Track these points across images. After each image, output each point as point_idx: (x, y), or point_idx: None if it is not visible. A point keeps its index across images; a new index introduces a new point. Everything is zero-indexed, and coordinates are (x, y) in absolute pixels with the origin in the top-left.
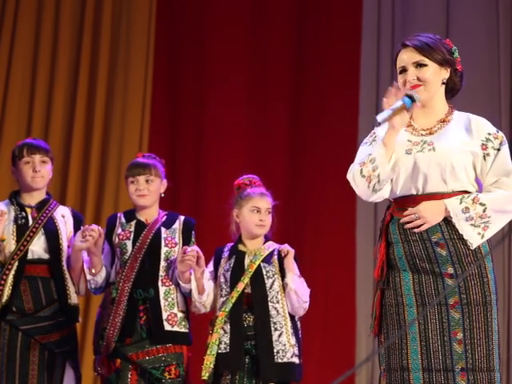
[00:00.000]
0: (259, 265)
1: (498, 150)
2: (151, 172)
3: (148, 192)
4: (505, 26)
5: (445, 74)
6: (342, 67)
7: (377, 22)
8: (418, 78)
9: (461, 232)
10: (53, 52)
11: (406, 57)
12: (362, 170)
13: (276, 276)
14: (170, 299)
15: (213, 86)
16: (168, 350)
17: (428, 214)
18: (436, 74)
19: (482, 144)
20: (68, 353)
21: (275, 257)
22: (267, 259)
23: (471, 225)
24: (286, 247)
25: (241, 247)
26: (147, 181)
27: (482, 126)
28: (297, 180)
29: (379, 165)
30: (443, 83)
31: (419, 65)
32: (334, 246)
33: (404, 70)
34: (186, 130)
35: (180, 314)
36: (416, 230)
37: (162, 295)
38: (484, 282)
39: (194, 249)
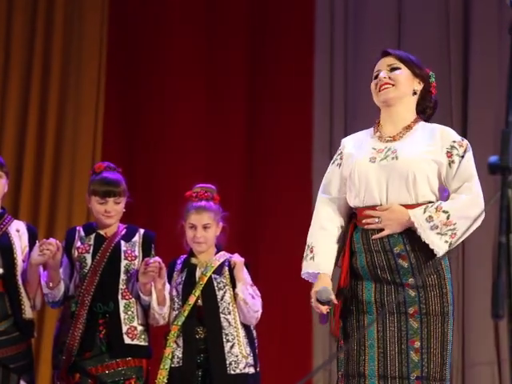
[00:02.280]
0: (210, 276)
1: (462, 156)
2: (120, 194)
3: (115, 213)
4: (454, 40)
5: (417, 85)
6: (295, 78)
7: (329, 34)
8: (390, 79)
9: (426, 241)
10: (5, 64)
11: (382, 62)
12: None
13: (227, 287)
14: (129, 312)
15: (168, 95)
16: (128, 363)
17: (391, 221)
18: (407, 79)
19: (447, 152)
20: (23, 368)
21: (226, 268)
22: (218, 270)
23: (437, 233)
24: (234, 258)
25: (192, 260)
26: (116, 202)
27: (447, 134)
28: (253, 188)
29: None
30: (414, 93)
31: (393, 68)
32: (291, 253)
33: (376, 76)
34: (141, 140)
35: (140, 328)
36: (376, 236)
37: (121, 308)
38: (443, 292)
39: (156, 260)
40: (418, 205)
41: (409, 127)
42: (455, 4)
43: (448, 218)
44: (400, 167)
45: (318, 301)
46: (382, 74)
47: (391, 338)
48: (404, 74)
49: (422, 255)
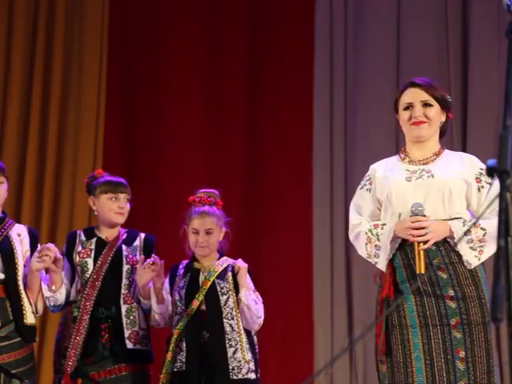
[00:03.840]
0: (213, 281)
1: (491, 183)
2: (129, 192)
3: (125, 211)
4: (454, 40)
5: (443, 117)
6: (295, 77)
7: (329, 40)
8: (425, 116)
9: (461, 253)
10: (6, 67)
11: (415, 95)
12: (366, 245)
13: (230, 292)
14: (131, 317)
15: (168, 96)
16: (130, 368)
17: (436, 231)
18: (438, 115)
19: (476, 177)
20: (25, 373)
21: (229, 273)
22: (221, 276)
23: (470, 247)
24: (238, 263)
25: (195, 264)
26: (127, 200)
27: (475, 161)
28: (253, 194)
29: (380, 261)
30: (440, 124)
31: (426, 104)
32: (291, 259)
33: (410, 107)
34: (142, 144)
35: (142, 332)
36: (423, 247)
37: (123, 313)
38: (482, 303)
39: (154, 258)
40: (450, 220)
41: (438, 153)
42: (454, 10)
43: (484, 236)
44: (437, 184)
45: (414, 214)
46: (417, 111)
47: (436, 350)
48: (436, 110)
49: (460, 266)
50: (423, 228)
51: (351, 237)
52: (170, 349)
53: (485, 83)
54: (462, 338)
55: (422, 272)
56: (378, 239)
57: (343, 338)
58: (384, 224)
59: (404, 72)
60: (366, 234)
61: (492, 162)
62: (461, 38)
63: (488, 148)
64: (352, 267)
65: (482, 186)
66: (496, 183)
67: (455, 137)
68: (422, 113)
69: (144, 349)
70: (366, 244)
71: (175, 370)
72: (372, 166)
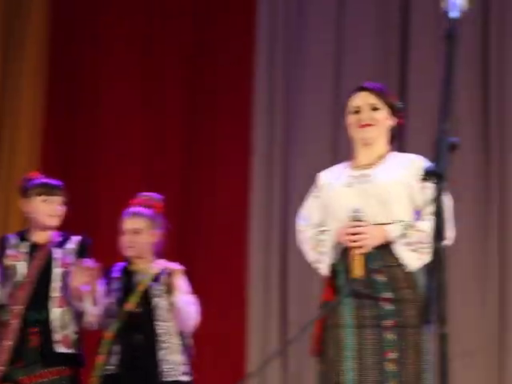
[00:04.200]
0: (148, 284)
1: (427, 186)
2: (64, 196)
3: (60, 213)
4: (394, 41)
5: (392, 122)
6: (234, 94)
7: (269, 50)
8: (371, 119)
9: (399, 256)
10: None
11: (363, 99)
12: (310, 251)
13: (164, 295)
14: (63, 321)
15: (105, 104)
16: (61, 372)
17: (372, 236)
18: (386, 119)
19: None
20: None
21: (164, 275)
22: (156, 278)
23: (411, 250)
24: (173, 266)
25: (130, 267)
26: (61, 203)
27: (419, 162)
28: (190, 197)
29: (323, 266)
30: (389, 128)
31: (374, 108)
32: (227, 262)
33: (357, 111)
34: (79, 148)
35: (73, 336)
36: (362, 251)
37: (55, 317)
38: (417, 306)
39: (89, 261)
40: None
41: (382, 156)
42: (394, 15)
43: (422, 237)
44: (375, 189)
45: (353, 219)
46: (364, 114)
47: (368, 351)
48: (383, 113)
49: (397, 270)
50: (360, 233)
51: (299, 244)
52: (102, 351)
53: (424, 86)
54: (394, 339)
55: (359, 276)
56: (321, 245)
57: (277, 340)
58: (327, 230)
59: (343, 75)
60: (311, 239)
61: (429, 165)
62: (400, 39)
63: (426, 151)
64: (288, 268)
65: (425, 187)
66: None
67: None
68: (368, 116)
69: (75, 352)
70: (311, 250)
71: (107, 373)
72: (320, 174)
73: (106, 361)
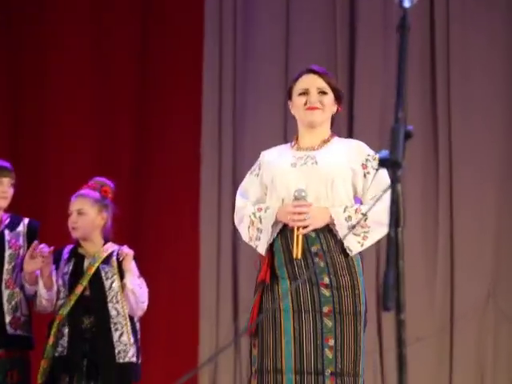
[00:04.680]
0: (98, 267)
1: (377, 169)
2: (13, 176)
3: (8, 195)
4: (342, 34)
5: (334, 108)
6: (184, 72)
7: (219, 32)
8: (320, 103)
9: (342, 240)
10: None
11: (311, 81)
12: (249, 228)
13: (115, 276)
14: (13, 303)
15: (54, 84)
16: (10, 354)
17: (316, 217)
18: (332, 104)
19: (363, 164)
20: None
21: (114, 258)
22: (106, 261)
23: (353, 234)
24: (124, 249)
25: (80, 250)
26: (10, 184)
27: (363, 147)
28: (140, 180)
29: (261, 244)
30: (332, 115)
31: (322, 91)
32: (178, 246)
33: (305, 93)
34: (27, 130)
35: (23, 318)
36: (301, 232)
37: (5, 298)
38: (355, 293)
39: (43, 246)
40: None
41: (327, 140)
42: (342, 5)
43: (365, 221)
44: (320, 171)
45: (297, 199)
46: (313, 97)
47: (307, 336)
48: (330, 98)
49: (337, 255)
50: (304, 213)
51: (236, 220)
52: (52, 333)
53: (371, 75)
54: (332, 326)
55: (299, 257)
56: (261, 222)
57: (228, 326)
58: (268, 207)
59: (292, 66)
60: (250, 217)
61: (384, 153)
62: (348, 32)
63: (372, 139)
64: (238, 254)
65: (368, 172)
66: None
67: (342, 128)
68: (317, 99)
69: (25, 335)
70: (249, 227)
71: (56, 354)
72: (262, 152)
73: (56, 343)
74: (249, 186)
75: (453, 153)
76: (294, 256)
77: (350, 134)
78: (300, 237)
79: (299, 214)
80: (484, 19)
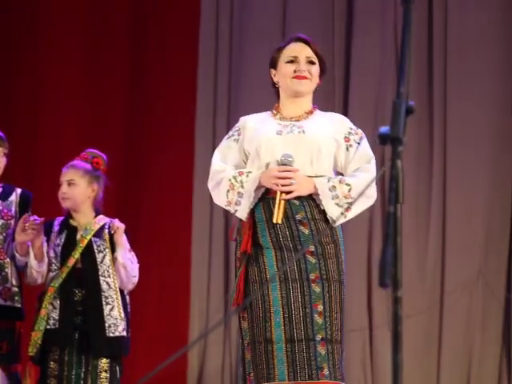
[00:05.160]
0: (90, 239)
1: (359, 143)
2: (7, 146)
3: (1, 165)
4: (339, 17)
5: (319, 80)
6: (179, 54)
7: (215, 10)
8: (308, 72)
9: (325, 209)
10: None
11: (300, 50)
12: (228, 191)
13: (107, 250)
14: (3, 273)
15: (46, 57)
16: (0, 325)
17: (301, 185)
18: (317, 75)
19: (345, 137)
20: None
21: (106, 231)
22: (98, 234)
23: (336, 204)
24: (115, 222)
25: (71, 222)
26: (3, 154)
27: (345, 121)
28: (133, 153)
29: (241, 208)
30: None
31: (310, 61)
32: (170, 221)
33: (293, 61)
34: (20, 99)
35: (14, 289)
36: (285, 197)
37: None
38: (339, 261)
39: (34, 217)
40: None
41: (310, 112)
42: None
43: (349, 191)
44: (307, 140)
45: (283, 164)
46: (302, 66)
47: (295, 303)
48: (318, 70)
49: (322, 223)
50: (289, 178)
51: (211, 184)
52: (44, 306)
53: (367, 55)
54: (320, 292)
55: (279, 222)
56: (242, 186)
57: (219, 299)
58: (250, 172)
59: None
60: (230, 180)
61: (384, 129)
62: (345, 14)
63: (368, 117)
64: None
65: (351, 145)
66: (365, 142)
67: (337, 102)
68: (306, 68)
69: (15, 305)
70: (228, 191)
71: (48, 327)
72: (242, 118)
73: (48, 316)
74: (227, 151)
75: (447, 132)
76: (274, 220)
77: (345, 108)
78: (282, 202)
79: (284, 178)
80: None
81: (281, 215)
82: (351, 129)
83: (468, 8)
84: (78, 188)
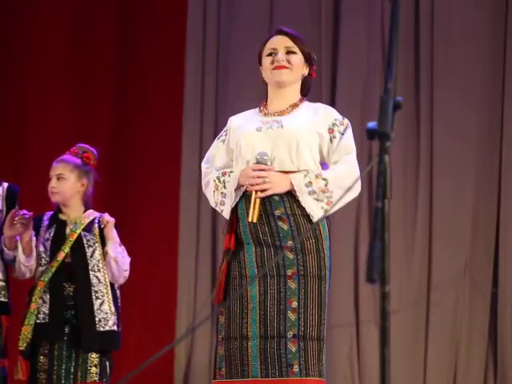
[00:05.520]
0: (80, 234)
1: (343, 134)
2: None
3: None
4: (326, 11)
5: (305, 70)
6: (167, 52)
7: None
8: (287, 62)
9: (303, 205)
10: None
11: (279, 41)
12: (214, 192)
13: (97, 244)
14: None
15: (31, 54)
16: None
17: (275, 182)
18: (301, 65)
19: (329, 128)
20: None
21: (96, 225)
22: (88, 228)
23: (314, 199)
24: (105, 217)
25: (61, 216)
26: None
27: (330, 112)
28: (121, 149)
29: (225, 208)
30: (302, 76)
31: (290, 51)
32: (158, 215)
33: (273, 54)
34: (6, 95)
35: (1, 283)
36: (261, 195)
37: None
38: (320, 257)
39: (23, 212)
40: (293, 173)
41: (295, 105)
42: None
43: (326, 186)
44: (285, 135)
45: (258, 162)
46: (280, 56)
47: (271, 300)
48: (299, 58)
49: (301, 219)
50: (262, 177)
51: (203, 187)
52: (33, 300)
53: (354, 49)
54: (296, 288)
55: (254, 221)
56: (225, 186)
57: (206, 294)
58: (232, 171)
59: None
60: (215, 181)
61: (372, 124)
62: (332, 8)
63: (355, 113)
64: (218, 223)
65: (334, 137)
66: (349, 133)
67: (324, 97)
68: (284, 58)
69: (2, 300)
70: (214, 192)
71: (38, 321)
72: (230, 118)
73: (37, 310)
74: (215, 152)
75: (434, 124)
76: (250, 219)
77: (332, 101)
78: (257, 201)
79: (258, 177)
80: None
81: (256, 214)
82: (336, 119)
83: (454, 3)
84: (68, 182)
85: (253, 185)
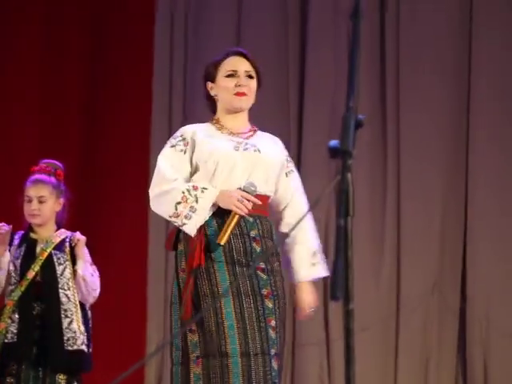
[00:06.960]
0: (50, 252)
1: (293, 171)
2: None
3: None
4: (293, 29)
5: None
6: (135, 60)
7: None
8: (247, 88)
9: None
10: None
11: (240, 64)
12: (178, 203)
13: (67, 263)
14: None
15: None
16: None
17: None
18: (255, 90)
19: (285, 161)
20: None
21: (67, 244)
22: (59, 247)
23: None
24: (76, 235)
25: (32, 235)
26: None
27: (283, 145)
28: (91, 167)
29: (191, 223)
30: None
31: (249, 75)
32: (127, 234)
33: (233, 75)
34: None
35: None
36: (236, 220)
37: None
38: (283, 278)
39: (3, 224)
40: (265, 196)
41: (254, 130)
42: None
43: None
44: (263, 161)
45: (245, 191)
46: (243, 82)
47: (250, 317)
48: (255, 85)
49: (269, 241)
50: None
51: (156, 190)
52: (2, 320)
53: (321, 69)
54: (273, 307)
55: (222, 243)
56: (197, 201)
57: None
58: (204, 188)
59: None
60: (183, 192)
61: (334, 142)
62: (299, 24)
63: (323, 132)
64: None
65: (290, 171)
66: (297, 173)
67: (292, 116)
68: (245, 83)
69: None
70: (179, 203)
71: (6, 341)
72: (186, 128)
73: (6, 329)
74: (177, 162)
75: (401, 144)
76: (218, 241)
77: (299, 126)
78: (232, 225)
79: (244, 204)
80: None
81: (226, 237)
82: (287, 155)
83: (420, 19)
84: (48, 204)
85: (239, 207)
